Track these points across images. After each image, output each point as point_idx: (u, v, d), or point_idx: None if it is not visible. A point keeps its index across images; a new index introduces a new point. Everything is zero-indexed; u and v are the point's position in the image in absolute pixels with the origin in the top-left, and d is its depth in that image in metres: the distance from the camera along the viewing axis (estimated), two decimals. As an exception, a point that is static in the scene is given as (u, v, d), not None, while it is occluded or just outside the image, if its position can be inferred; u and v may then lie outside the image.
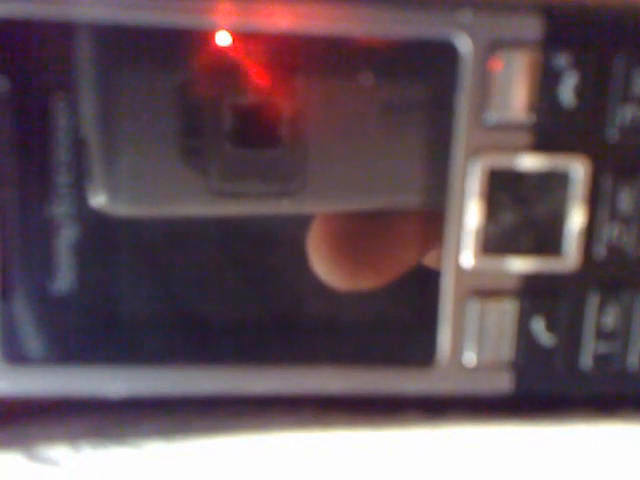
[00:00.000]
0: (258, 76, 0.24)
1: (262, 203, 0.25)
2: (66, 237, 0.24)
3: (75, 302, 0.25)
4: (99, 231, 0.25)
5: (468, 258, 0.25)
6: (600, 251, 0.26)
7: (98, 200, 0.24)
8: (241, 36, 0.24)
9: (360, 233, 0.26)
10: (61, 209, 0.24)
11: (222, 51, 0.24)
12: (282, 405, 0.27)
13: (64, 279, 0.25)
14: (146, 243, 0.25)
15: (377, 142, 0.25)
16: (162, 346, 0.26)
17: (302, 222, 0.26)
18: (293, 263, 0.26)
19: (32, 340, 0.25)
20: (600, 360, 0.26)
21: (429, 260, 0.26)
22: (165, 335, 0.26)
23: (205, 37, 0.24)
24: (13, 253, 0.24)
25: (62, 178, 0.24)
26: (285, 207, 0.25)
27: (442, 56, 0.24)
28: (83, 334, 0.25)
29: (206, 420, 0.27)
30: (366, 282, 0.26)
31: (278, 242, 0.26)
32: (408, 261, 0.26)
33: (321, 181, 0.25)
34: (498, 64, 0.24)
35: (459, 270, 0.26)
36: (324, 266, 0.26)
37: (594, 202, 0.25)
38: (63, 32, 0.23)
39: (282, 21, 0.24)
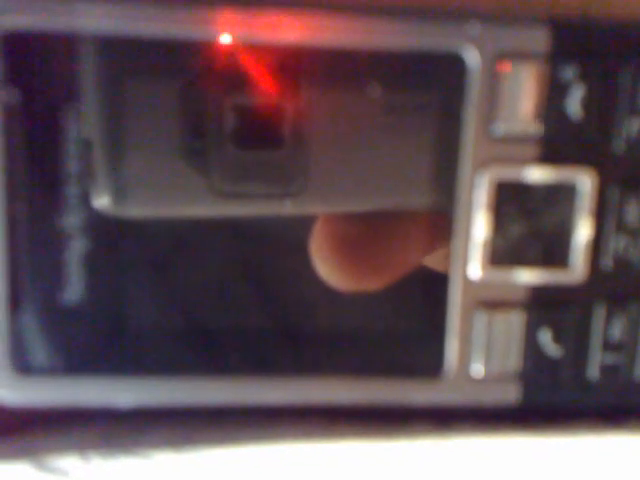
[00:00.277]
0: (261, 78, 0.24)
1: (265, 205, 0.25)
2: (75, 248, 0.25)
3: (83, 312, 0.25)
4: (107, 240, 0.25)
5: (475, 269, 0.26)
6: (607, 263, 0.26)
7: (102, 202, 0.25)
8: (245, 44, 0.24)
9: (362, 234, 0.26)
10: (70, 219, 0.24)
11: (226, 54, 0.24)
12: (290, 416, 0.27)
13: (72, 290, 0.25)
14: (151, 247, 0.25)
15: (382, 149, 0.25)
16: (170, 356, 0.26)
17: (305, 224, 0.26)
18: (296, 265, 0.26)
19: (41, 350, 0.25)
20: (607, 371, 0.27)
21: (431, 262, 0.26)
22: (173, 345, 0.26)
23: (209, 42, 0.24)
24: (22, 264, 0.24)
25: (71, 189, 0.24)
26: (287, 209, 0.25)
27: (450, 68, 0.24)
28: (91, 345, 0.25)
29: (214, 430, 0.27)
30: (369, 284, 0.26)
31: (281, 244, 0.26)
32: (411, 262, 0.26)
33: (324, 183, 0.25)
34: (505, 76, 0.24)
35: (466, 281, 0.26)
36: (327, 267, 0.26)
37: (601, 214, 0.25)
38: (70, 43, 0.23)
39: (288, 33, 0.24)
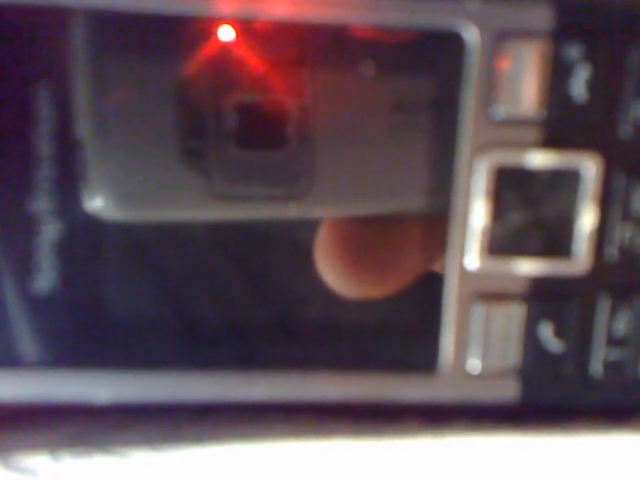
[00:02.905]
0: (262, 73, 0.24)
1: (267, 207, 0.25)
2: (52, 237, 0.24)
3: (60, 304, 0.25)
4: (89, 233, 0.25)
5: (473, 259, 0.25)
6: (612, 253, 0.26)
7: (94, 205, 0.24)
8: (244, 28, 0.24)
9: (369, 239, 0.26)
10: (49, 209, 0.24)
11: (225, 46, 0.24)
12: (278, 412, 0.27)
13: (48, 280, 0.25)
14: (141, 247, 0.25)
15: (384, 141, 0.25)
16: (152, 350, 0.26)
17: (309, 227, 0.26)
18: (299, 269, 0.26)
19: (15, 343, 0.25)
20: (610, 367, 0.27)
21: (440, 267, 0.26)
22: (155, 338, 0.26)
23: (207, 30, 0.24)
24: None
25: (47, 174, 0.24)
26: (291, 211, 0.25)
27: (448, 47, 0.24)
28: (68, 337, 0.25)
29: (197, 428, 0.27)
30: (375, 290, 0.26)
31: (283, 248, 0.26)
32: (418, 267, 0.26)
33: (329, 184, 0.25)
34: (507, 56, 0.24)
35: (464, 272, 0.26)
36: (332, 273, 0.26)
37: (606, 201, 0.25)
38: (55, 19, 0.23)
39: (285, 8, 0.23)
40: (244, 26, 0.24)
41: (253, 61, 0.24)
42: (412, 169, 0.25)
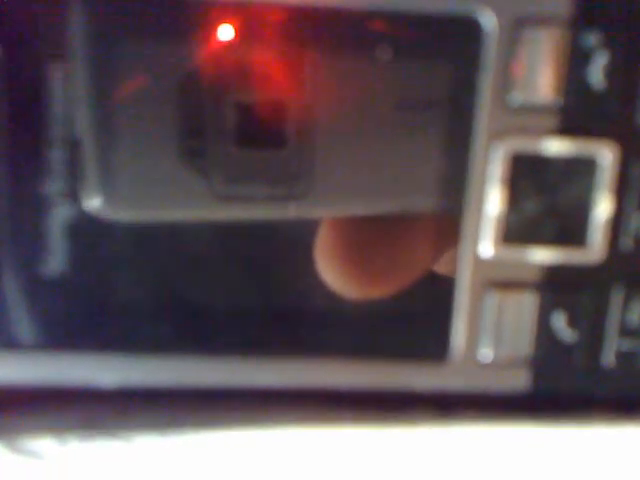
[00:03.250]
0: (264, 72, 0.24)
1: (267, 207, 0.25)
2: (61, 220, 0.24)
3: (67, 287, 0.25)
4: (95, 222, 0.25)
5: (487, 247, 0.25)
6: (627, 243, 0.26)
7: (93, 204, 0.24)
8: (245, 30, 0.24)
9: (371, 239, 0.26)
10: (55, 189, 0.24)
11: (226, 45, 0.24)
12: (284, 399, 0.27)
13: (55, 262, 0.25)
14: (142, 245, 0.25)
15: (386, 140, 0.25)
16: (159, 334, 0.26)
17: (309, 227, 0.25)
18: (299, 270, 0.26)
19: (20, 325, 0.25)
20: (623, 358, 0.27)
21: (441, 267, 0.26)
22: (162, 323, 0.26)
23: (209, 29, 0.23)
24: (1, 235, 0.24)
25: (58, 156, 0.24)
26: (291, 211, 0.25)
27: (464, 33, 0.24)
28: (74, 320, 0.25)
29: (203, 413, 0.27)
30: (377, 291, 0.26)
31: (284, 248, 0.26)
32: (421, 268, 0.26)
33: (330, 183, 0.25)
34: (524, 42, 0.24)
35: (477, 260, 0.25)
36: (333, 274, 0.26)
37: (622, 190, 0.25)
38: (59, 11, 0.23)
39: None
40: (244, 25, 0.24)
41: (253, 60, 0.24)
42: (420, 165, 0.25)
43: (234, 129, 0.24)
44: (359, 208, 0.26)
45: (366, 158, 0.25)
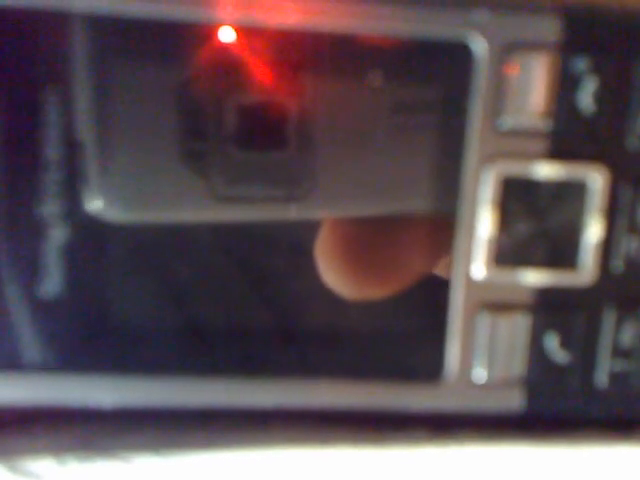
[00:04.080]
0: (264, 74, 0.24)
1: (268, 208, 0.25)
2: (57, 241, 0.25)
3: (65, 308, 0.25)
4: (93, 236, 0.25)
5: (479, 269, 0.26)
6: (618, 265, 0.26)
7: (95, 207, 0.24)
8: (246, 32, 0.24)
9: (370, 240, 0.26)
10: (53, 212, 0.24)
11: (226, 48, 0.24)
12: (281, 420, 0.27)
13: (54, 284, 0.25)
14: (144, 250, 0.25)
15: (388, 145, 0.25)
16: (157, 355, 0.26)
17: (310, 228, 0.26)
18: (300, 271, 0.26)
19: (19, 346, 0.25)
20: (616, 379, 0.27)
21: (441, 269, 0.26)
22: (160, 344, 0.26)
23: (208, 32, 0.24)
24: (0, 256, 0.24)
25: (54, 177, 0.24)
26: (292, 212, 0.25)
27: (456, 57, 0.24)
28: (73, 341, 0.25)
29: (201, 434, 0.27)
30: (376, 291, 0.26)
31: (284, 249, 0.26)
32: (420, 269, 0.26)
33: (330, 185, 0.25)
34: (514, 67, 0.24)
35: (469, 281, 0.26)
36: (333, 275, 0.26)
37: (612, 213, 0.26)
38: (59, 24, 0.23)
39: (289, 17, 0.24)
40: (245, 29, 0.24)
41: (254, 63, 0.24)
42: (415, 173, 0.25)
43: (235, 131, 0.24)
44: (359, 209, 0.26)
45: (365, 163, 0.25)
